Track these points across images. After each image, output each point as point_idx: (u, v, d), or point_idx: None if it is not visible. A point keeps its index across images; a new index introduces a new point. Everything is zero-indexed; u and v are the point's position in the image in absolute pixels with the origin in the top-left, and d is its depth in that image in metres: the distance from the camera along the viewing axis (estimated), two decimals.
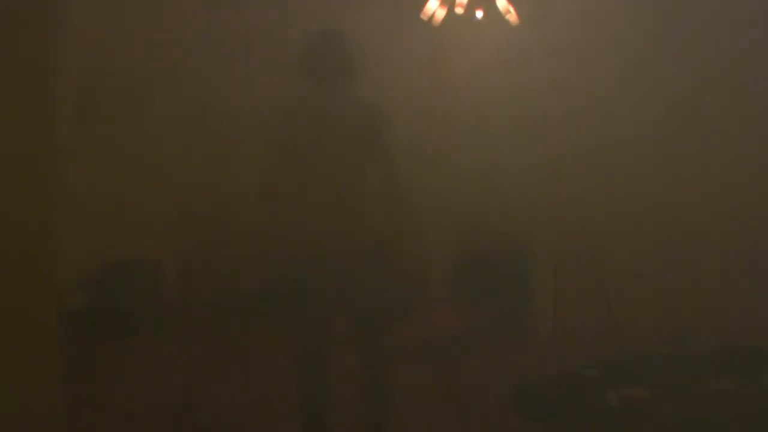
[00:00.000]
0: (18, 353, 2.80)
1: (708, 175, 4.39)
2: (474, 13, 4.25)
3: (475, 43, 4.70)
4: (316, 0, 5.00)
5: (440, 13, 4.18)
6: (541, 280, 4.91)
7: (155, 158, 5.41)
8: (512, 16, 4.06)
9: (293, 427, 3.30)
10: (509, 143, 4.98)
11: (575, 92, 4.65)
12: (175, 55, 5.40)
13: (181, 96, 5.48)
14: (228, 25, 5.48)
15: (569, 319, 4.69)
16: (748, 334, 3.87)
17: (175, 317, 5.20)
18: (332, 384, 3.30)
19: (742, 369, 3.41)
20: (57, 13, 2.98)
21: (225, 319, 5.04)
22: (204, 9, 5.43)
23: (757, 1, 4.17)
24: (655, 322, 4.48)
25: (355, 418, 3.32)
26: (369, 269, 3.23)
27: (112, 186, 5.18)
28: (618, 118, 4.59)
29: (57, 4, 2.98)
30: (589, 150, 4.67)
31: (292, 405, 3.32)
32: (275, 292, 3.48)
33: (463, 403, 3.98)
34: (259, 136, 3.41)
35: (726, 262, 4.39)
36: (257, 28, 5.46)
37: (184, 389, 4.08)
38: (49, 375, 3.02)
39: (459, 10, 3.99)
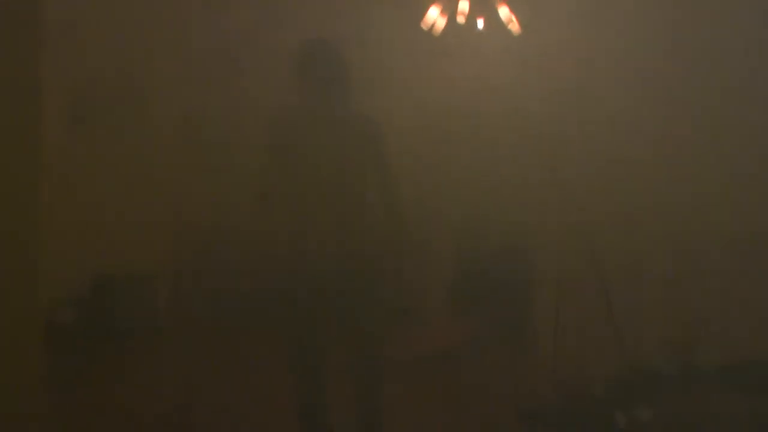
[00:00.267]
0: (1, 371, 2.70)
1: (715, 181, 4.30)
2: (475, 23, 4.19)
3: (477, 53, 4.64)
4: (314, 8, 4.95)
5: (441, 23, 4.12)
6: (542, 291, 4.82)
7: (149, 167, 5.31)
8: (514, 26, 4.00)
9: None
10: (510, 153, 4.91)
11: (578, 101, 4.58)
12: (169, 63, 5.33)
13: (175, 104, 5.40)
14: (224, 32, 5.42)
15: (571, 331, 4.60)
16: (758, 348, 3.78)
17: (170, 332, 5.09)
18: (330, 397, 3.26)
19: (752, 385, 3.33)
20: (48, 17, 2.91)
21: (221, 334, 4.95)
22: (199, 15, 5.38)
23: (757, 1, 4.14)
24: (661, 335, 4.38)
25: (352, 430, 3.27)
26: (367, 281, 3.19)
27: (104, 195, 5.09)
28: (620, 125, 4.51)
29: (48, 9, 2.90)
30: (592, 160, 4.59)
31: (290, 421, 3.26)
32: (272, 306, 3.43)
33: (463, 419, 3.89)
34: (254, 145, 3.37)
35: (734, 271, 4.27)
36: (254, 36, 5.40)
37: (180, 408, 3.96)
38: (36, 394, 2.95)
39: (460, 20, 3.93)
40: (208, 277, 5.38)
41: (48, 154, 4.69)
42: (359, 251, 3.16)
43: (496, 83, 4.67)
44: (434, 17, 4.10)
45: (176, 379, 4.36)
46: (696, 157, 4.34)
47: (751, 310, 4.18)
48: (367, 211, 3.21)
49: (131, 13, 5.11)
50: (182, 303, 5.36)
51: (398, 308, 4.33)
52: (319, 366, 3.29)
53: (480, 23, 4.21)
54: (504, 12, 4.01)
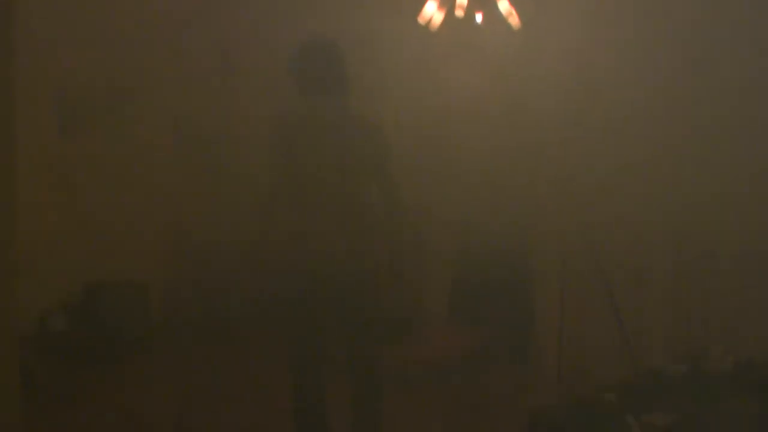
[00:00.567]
0: None
1: (721, 180, 4.25)
2: (474, 17, 4.08)
3: (476, 48, 4.55)
4: (309, 5, 4.85)
5: (438, 17, 4.00)
6: (546, 295, 4.74)
7: (142, 171, 5.24)
8: (514, 20, 3.89)
9: None
10: (511, 151, 4.84)
11: (579, 97, 4.51)
12: (161, 67, 5.25)
13: (167, 109, 5.33)
14: (217, 34, 5.37)
15: (577, 337, 4.52)
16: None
17: (163, 342, 5.02)
18: (329, 402, 3.24)
19: (763, 387, 3.24)
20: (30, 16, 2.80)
21: (217, 343, 4.89)
22: (193, 17, 5.30)
23: (757, 1, 4.12)
24: (669, 338, 4.32)
25: None
26: (367, 284, 3.18)
27: (94, 202, 5.04)
28: (625, 120, 4.43)
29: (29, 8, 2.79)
30: (595, 157, 4.51)
31: (288, 427, 3.23)
32: (270, 310, 3.43)
33: (466, 427, 3.84)
34: (249, 148, 3.33)
35: (742, 271, 4.23)
36: (247, 37, 5.34)
37: (174, 421, 3.88)
38: (26, 402, 2.88)
39: (459, 13, 3.81)
40: (203, 282, 5.30)
41: (39, 162, 4.68)
42: (359, 254, 3.13)
43: (495, 79, 4.59)
44: (432, 11, 3.98)
45: (171, 386, 4.32)
46: (704, 154, 4.29)
47: (761, 310, 4.13)
48: (367, 213, 3.17)
49: (121, 12, 5.03)
50: (177, 309, 5.27)
51: (399, 312, 4.29)
52: (318, 370, 3.25)
53: (479, 17, 4.11)
54: (504, 5, 3.90)
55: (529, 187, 4.79)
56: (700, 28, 4.21)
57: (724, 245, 4.30)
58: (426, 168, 4.82)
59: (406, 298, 4.75)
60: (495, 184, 4.90)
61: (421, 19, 4.01)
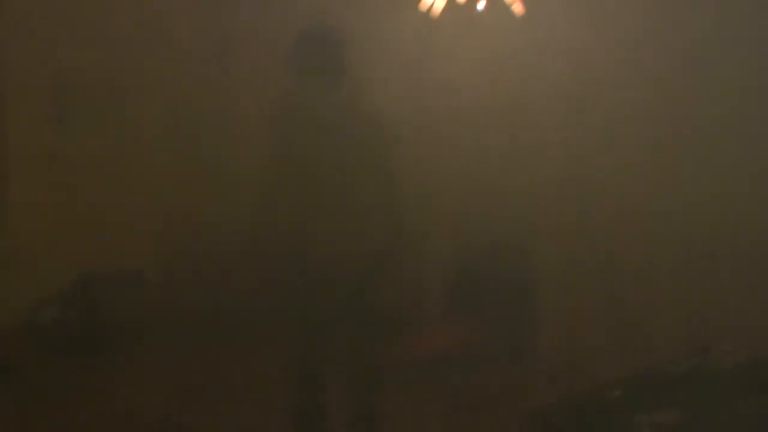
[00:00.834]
0: None
1: (723, 179, 4.22)
2: (475, 4, 4.02)
3: (477, 37, 4.47)
4: None
5: (439, 4, 3.95)
6: (549, 292, 4.68)
7: (137, 161, 5.17)
8: (518, 7, 3.83)
9: None
10: (512, 143, 4.75)
11: (584, 87, 4.43)
12: (159, 56, 5.18)
13: (165, 97, 5.26)
14: (216, 24, 5.29)
15: (580, 333, 4.47)
16: None
17: (159, 333, 4.93)
18: (327, 399, 3.20)
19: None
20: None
21: (213, 335, 4.82)
22: (190, 7, 5.24)
23: (757, 0, 4.11)
24: (674, 334, 4.27)
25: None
26: (366, 280, 3.14)
27: (91, 192, 4.98)
28: (631, 113, 4.38)
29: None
30: (597, 154, 4.47)
31: (286, 422, 3.19)
32: (268, 305, 3.46)
33: (465, 426, 3.78)
34: (246, 139, 3.28)
35: (748, 267, 4.19)
36: (245, 26, 5.26)
37: (171, 408, 3.84)
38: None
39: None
40: (200, 275, 5.24)
41: (36, 152, 4.66)
42: (358, 249, 3.09)
43: (497, 68, 4.49)
44: None
45: (167, 379, 4.24)
46: (707, 152, 4.24)
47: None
48: (367, 208, 3.12)
49: (119, 6, 4.98)
50: (171, 301, 5.17)
51: (398, 309, 4.24)
52: (317, 365, 3.22)
53: (481, 4, 4.05)
54: None
55: (530, 183, 4.72)
56: (700, 28, 4.18)
57: (726, 243, 4.26)
58: (426, 161, 4.76)
59: (405, 294, 4.71)
60: (495, 178, 4.82)
61: (422, 5, 3.98)
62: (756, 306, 4.11)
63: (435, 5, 3.96)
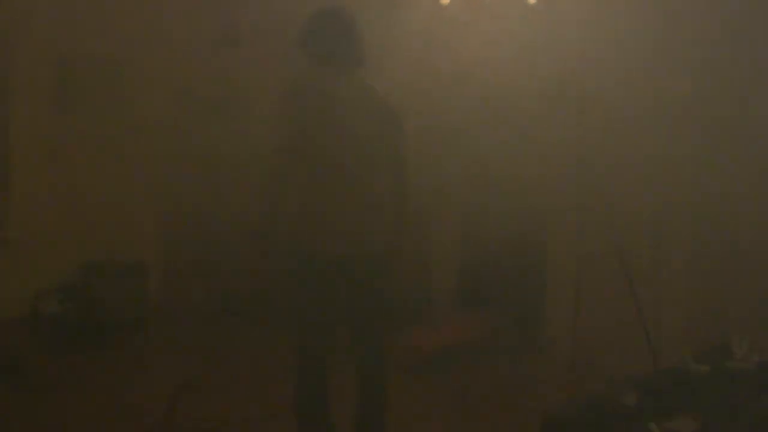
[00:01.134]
0: None
1: (742, 175, 4.13)
2: None
3: (488, 23, 4.40)
4: None
5: None
6: (560, 287, 4.60)
7: (140, 151, 5.17)
8: None
9: None
10: (523, 133, 4.68)
11: (595, 75, 4.34)
12: (161, 44, 5.17)
13: (168, 87, 5.24)
14: (218, 11, 5.27)
15: (593, 331, 4.40)
16: None
17: (161, 324, 4.94)
18: (332, 394, 3.14)
19: None
20: None
21: (217, 327, 4.81)
22: None
23: (757, 1, 4.06)
24: (688, 333, 4.19)
25: (354, 427, 3.17)
26: (375, 274, 3.08)
27: (93, 181, 4.97)
28: (646, 104, 4.27)
29: None
30: (612, 148, 4.39)
31: (290, 415, 3.13)
32: (272, 296, 3.28)
33: (474, 426, 3.69)
34: (248, 128, 3.18)
35: (761, 266, 4.09)
36: (249, 13, 5.24)
37: (170, 405, 3.74)
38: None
39: None
40: (202, 266, 5.22)
41: (36, 142, 4.61)
42: (369, 238, 3.02)
43: (508, 55, 4.41)
44: None
45: (168, 371, 4.20)
46: (725, 148, 4.17)
47: None
48: (378, 197, 3.04)
49: None
50: (174, 293, 5.18)
51: (407, 303, 4.18)
52: (323, 355, 3.15)
53: None
54: None
55: (545, 177, 4.65)
56: (700, 27, 4.13)
57: (743, 239, 4.18)
58: (435, 144, 4.68)
59: (416, 284, 4.65)
60: (507, 166, 4.76)
61: None
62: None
63: None
